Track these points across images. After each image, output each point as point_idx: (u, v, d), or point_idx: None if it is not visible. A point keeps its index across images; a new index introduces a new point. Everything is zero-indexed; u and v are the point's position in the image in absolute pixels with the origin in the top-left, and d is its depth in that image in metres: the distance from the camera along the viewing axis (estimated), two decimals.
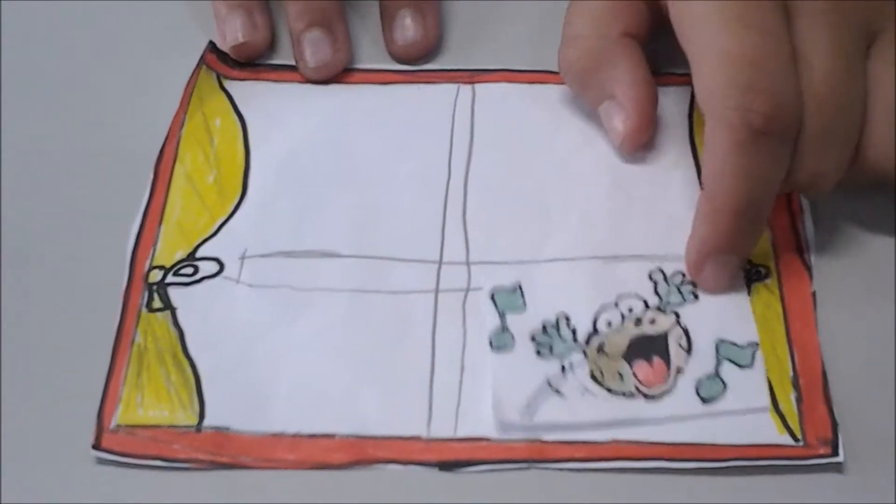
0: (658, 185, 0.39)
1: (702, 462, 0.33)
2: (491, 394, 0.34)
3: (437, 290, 0.37)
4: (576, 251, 0.38)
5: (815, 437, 0.33)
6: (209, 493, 0.33)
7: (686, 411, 0.34)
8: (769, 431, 0.33)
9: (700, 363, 0.35)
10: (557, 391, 0.34)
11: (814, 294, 0.37)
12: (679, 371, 0.35)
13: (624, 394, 0.34)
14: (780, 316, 0.36)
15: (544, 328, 0.36)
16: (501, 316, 0.36)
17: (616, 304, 0.36)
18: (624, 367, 0.35)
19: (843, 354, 0.35)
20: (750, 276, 0.37)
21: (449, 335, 0.36)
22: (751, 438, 0.33)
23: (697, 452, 0.33)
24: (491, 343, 0.36)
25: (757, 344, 0.35)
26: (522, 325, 0.36)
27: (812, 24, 0.35)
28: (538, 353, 0.35)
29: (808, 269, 0.37)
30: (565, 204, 0.39)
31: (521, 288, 0.37)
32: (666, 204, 0.38)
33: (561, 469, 0.33)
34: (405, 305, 0.37)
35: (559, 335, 0.36)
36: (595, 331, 0.36)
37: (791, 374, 0.35)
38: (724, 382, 0.34)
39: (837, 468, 0.33)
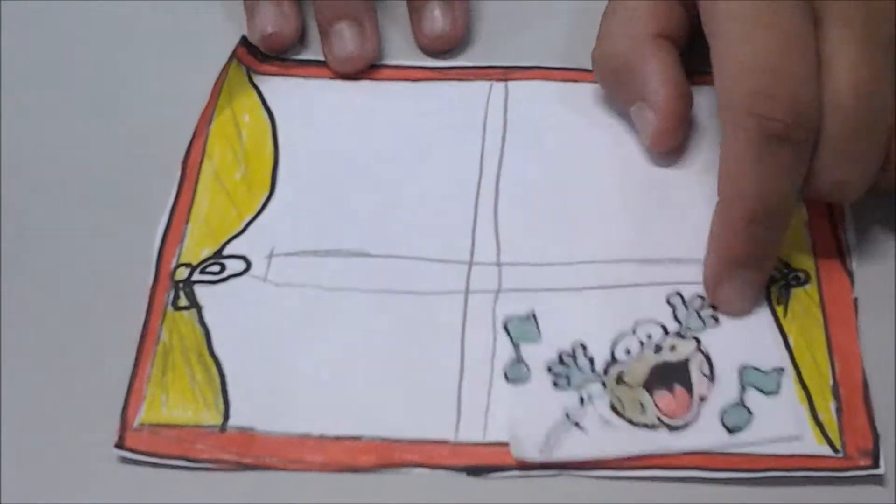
0: (691, 188, 0.38)
1: (737, 472, 0.32)
2: (508, 429, 0.33)
3: (466, 291, 0.37)
4: (605, 254, 0.37)
5: (856, 449, 0.33)
6: (233, 494, 0.33)
7: (712, 443, 0.33)
8: (808, 442, 0.33)
9: (724, 391, 0.34)
10: (577, 424, 0.33)
11: (855, 301, 0.36)
12: (702, 399, 0.34)
13: (647, 425, 0.33)
14: (820, 323, 0.35)
15: (560, 358, 0.35)
16: (515, 346, 0.35)
17: (634, 332, 0.35)
18: (645, 396, 0.34)
19: (884, 363, 0.34)
20: (789, 281, 0.36)
21: (478, 337, 0.35)
22: (788, 449, 0.33)
23: (733, 462, 0.33)
24: (506, 375, 0.35)
25: (782, 369, 0.34)
26: (537, 355, 0.35)
27: (841, 30, 0.34)
28: (555, 384, 0.34)
29: (850, 274, 0.36)
30: (597, 206, 0.38)
31: (534, 316, 0.36)
32: (698, 208, 0.37)
33: (591, 476, 0.33)
34: (434, 306, 0.36)
35: (576, 365, 0.35)
36: (613, 359, 0.35)
37: (831, 382, 0.34)
38: (749, 411, 0.33)
39: (878, 480, 0.32)
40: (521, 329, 0.36)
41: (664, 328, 0.35)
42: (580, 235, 0.38)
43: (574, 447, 0.33)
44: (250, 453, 0.33)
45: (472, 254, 0.38)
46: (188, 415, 0.34)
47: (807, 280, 0.36)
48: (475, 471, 0.33)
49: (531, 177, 0.39)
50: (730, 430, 0.33)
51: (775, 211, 0.34)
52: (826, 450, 0.33)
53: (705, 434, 0.33)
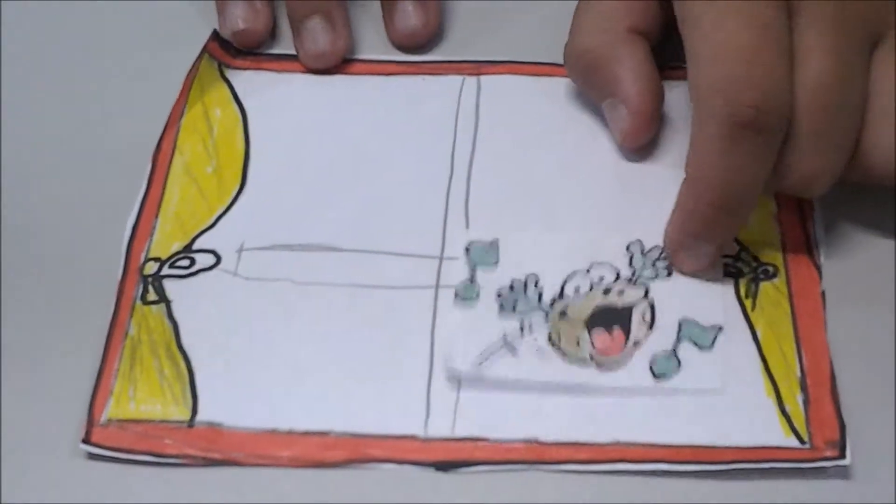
0: (663, 182, 0.38)
1: (704, 465, 0.32)
2: (445, 342, 0.34)
3: (437, 286, 0.37)
4: None
5: (822, 440, 0.33)
6: (201, 490, 0.33)
7: (636, 384, 0.34)
8: (774, 433, 0.33)
9: (659, 339, 0.34)
10: (512, 348, 0.34)
11: (823, 294, 0.36)
12: (637, 344, 0.34)
13: (578, 359, 0.34)
14: (788, 316, 0.35)
15: (511, 286, 0.36)
16: (472, 269, 0.36)
17: (588, 271, 0.36)
18: (583, 333, 0.35)
19: (852, 355, 0.34)
20: (758, 275, 0.36)
21: (449, 332, 0.35)
22: (755, 440, 0.33)
23: (700, 455, 0.33)
24: (456, 293, 0.35)
25: (720, 328, 0.35)
26: (491, 280, 0.36)
27: (813, 23, 0.34)
28: (501, 308, 0.35)
29: (818, 268, 0.37)
30: (569, 201, 0.38)
31: (497, 244, 0.37)
32: (670, 203, 0.37)
33: (557, 471, 0.33)
34: (405, 301, 0.36)
35: (525, 294, 0.35)
36: (562, 294, 0.35)
37: (798, 374, 0.34)
38: (679, 361, 0.34)
39: (844, 472, 0.32)
40: (481, 254, 0.36)
41: (618, 273, 0.36)
42: (551, 230, 0.38)
43: (503, 368, 0.34)
44: (218, 448, 0.33)
45: (442, 249, 0.37)
46: (156, 410, 0.34)
47: (775, 274, 0.36)
48: (444, 466, 0.33)
49: (502, 171, 0.39)
50: (656, 376, 0.34)
51: (739, 198, 0.34)
52: (793, 441, 0.33)
53: (632, 376, 0.34)
